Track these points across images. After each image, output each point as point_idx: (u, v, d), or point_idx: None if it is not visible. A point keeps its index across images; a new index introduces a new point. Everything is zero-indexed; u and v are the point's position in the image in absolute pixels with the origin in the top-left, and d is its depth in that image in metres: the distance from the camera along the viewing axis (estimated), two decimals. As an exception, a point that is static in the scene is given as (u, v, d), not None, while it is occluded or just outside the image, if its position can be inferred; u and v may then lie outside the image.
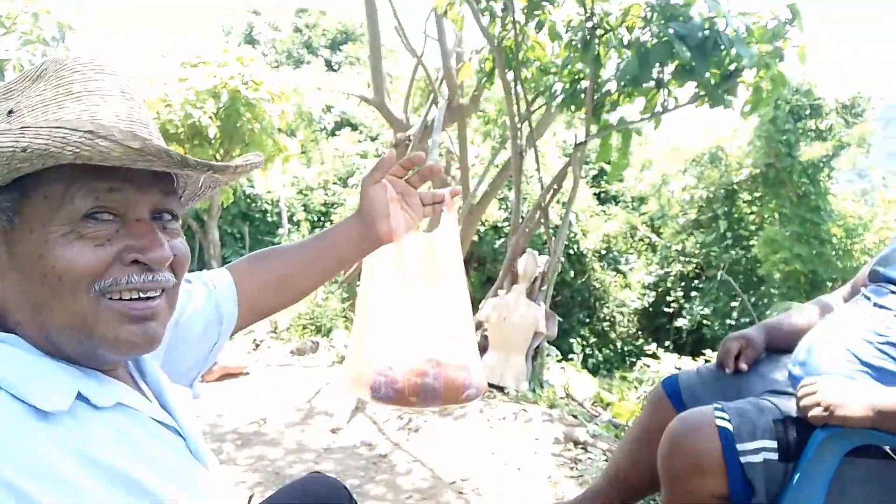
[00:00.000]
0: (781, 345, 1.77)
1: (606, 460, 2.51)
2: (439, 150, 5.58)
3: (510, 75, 4.01)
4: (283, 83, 6.84)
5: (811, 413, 1.34)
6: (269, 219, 15.47)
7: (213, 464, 0.77)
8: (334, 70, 24.66)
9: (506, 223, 13.71)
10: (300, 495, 1.09)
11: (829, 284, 13.53)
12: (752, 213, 15.33)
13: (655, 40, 3.18)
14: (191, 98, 6.17)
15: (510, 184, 4.76)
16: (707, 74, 3.35)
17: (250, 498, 1.25)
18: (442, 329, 1.16)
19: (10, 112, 0.65)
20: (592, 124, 3.74)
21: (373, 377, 1.15)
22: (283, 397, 3.37)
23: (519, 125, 3.99)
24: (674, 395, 1.79)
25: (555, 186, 4.00)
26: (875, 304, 1.49)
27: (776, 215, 14.40)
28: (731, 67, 3.38)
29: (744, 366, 1.71)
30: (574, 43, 3.55)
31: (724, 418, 1.40)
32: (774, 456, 1.37)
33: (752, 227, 15.10)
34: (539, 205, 3.91)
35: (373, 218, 1.06)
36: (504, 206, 13.58)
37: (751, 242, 14.60)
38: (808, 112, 14.19)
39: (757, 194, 14.91)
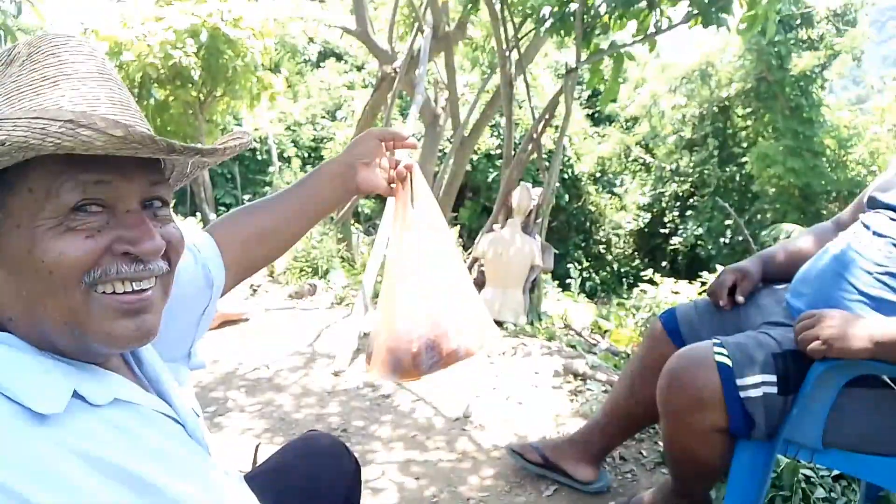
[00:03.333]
0: (779, 275, 1.75)
1: (605, 391, 2.55)
2: (427, 79, 5.44)
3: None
4: (264, 16, 6.57)
5: (810, 347, 1.34)
6: (260, 157, 15.31)
7: (213, 445, 0.77)
8: (314, -1, 23.84)
9: (499, 150, 13.57)
10: (300, 455, 1.10)
11: (823, 197, 13.55)
12: (745, 128, 15.16)
13: (646, -43, 3.04)
14: (170, 38, 5.93)
15: (501, 110, 4.65)
16: (700, -9, 3.22)
17: (257, 447, 1.26)
18: (440, 299, 1.17)
19: None
20: (583, 49, 3.62)
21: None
22: (284, 342, 3.40)
23: (507, 52, 3.86)
24: (671, 329, 1.79)
25: (546, 115, 3.91)
26: (875, 233, 1.47)
27: (769, 130, 14.25)
28: (725, -18, 3.25)
29: (740, 298, 1.70)
30: (562, -37, 3.40)
31: (723, 353, 1.41)
32: (774, 389, 1.37)
33: (745, 144, 14.97)
34: (531, 136, 3.84)
35: (358, 164, 1.09)
36: (496, 133, 13.40)
37: (744, 159, 14.49)
38: (798, 22, 13.83)
39: (749, 109, 14.70)
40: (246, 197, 14.49)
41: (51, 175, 0.61)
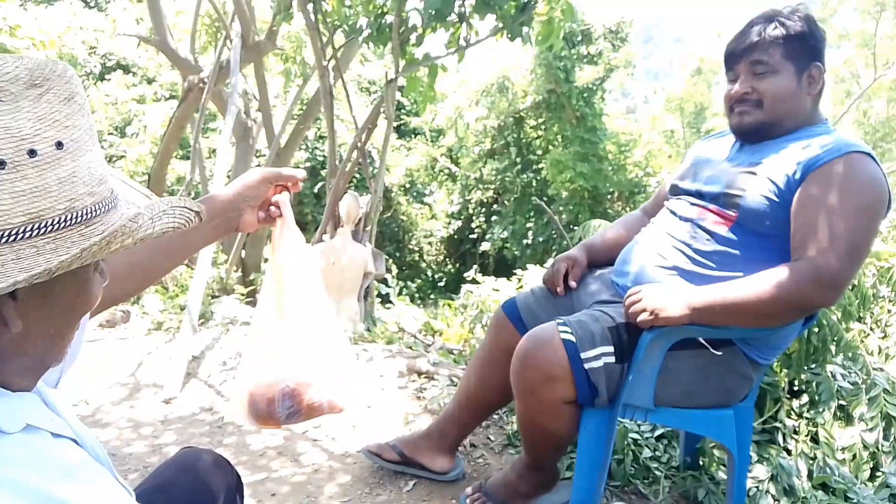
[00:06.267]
0: (600, 260, 1.96)
1: (450, 385, 2.65)
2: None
3: (310, 9, 3.84)
4: (44, 26, 5.94)
5: (639, 318, 1.52)
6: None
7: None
8: (91, 7, 21.85)
9: (308, 163, 13.41)
10: (182, 470, 1.05)
11: (608, 197, 15.08)
12: (538, 137, 16.41)
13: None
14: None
15: (314, 122, 4.63)
16: (504, 7, 3.47)
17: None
18: (308, 349, 1.17)
19: (60, 144, 0.59)
20: (399, 58, 3.72)
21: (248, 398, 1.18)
22: (101, 374, 3.09)
23: (326, 62, 3.86)
24: (514, 316, 1.92)
25: (370, 125, 3.97)
26: (680, 217, 1.70)
27: (559, 138, 15.57)
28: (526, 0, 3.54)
29: (573, 283, 1.88)
30: (376, -24, 3.48)
31: (567, 331, 1.54)
32: (612, 359, 1.54)
33: (540, 152, 16.21)
34: (356, 145, 3.87)
35: (245, 207, 1.09)
36: (304, 147, 13.23)
37: (539, 165, 15.68)
38: (579, 38, 15.30)
39: (541, 120, 15.95)
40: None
41: None
